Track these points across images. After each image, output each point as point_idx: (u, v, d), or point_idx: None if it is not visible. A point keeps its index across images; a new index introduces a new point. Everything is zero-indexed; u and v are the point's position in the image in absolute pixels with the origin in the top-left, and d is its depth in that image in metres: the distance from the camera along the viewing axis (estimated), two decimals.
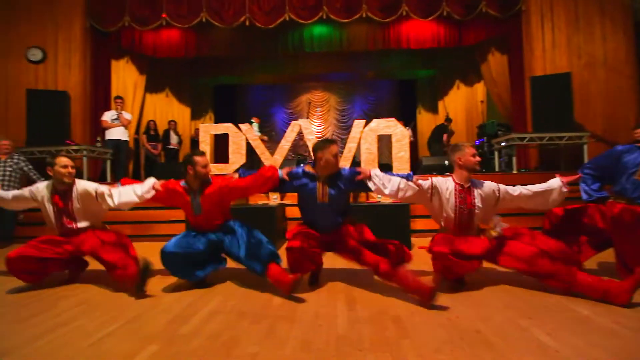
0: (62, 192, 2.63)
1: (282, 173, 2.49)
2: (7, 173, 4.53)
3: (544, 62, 6.14)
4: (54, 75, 6.23)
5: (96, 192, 2.66)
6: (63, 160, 2.59)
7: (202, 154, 2.61)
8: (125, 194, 2.64)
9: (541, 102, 5.52)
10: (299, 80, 11.21)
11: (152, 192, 2.60)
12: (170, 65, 9.09)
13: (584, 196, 2.51)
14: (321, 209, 2.44)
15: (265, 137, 7.55)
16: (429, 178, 2.47)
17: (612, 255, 2.42)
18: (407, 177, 2.45)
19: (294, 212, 4.55)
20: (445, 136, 7.98)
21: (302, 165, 2.56)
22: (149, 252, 3.92)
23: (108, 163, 6.07)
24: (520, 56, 6.48)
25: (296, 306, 2.08)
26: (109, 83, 7.12)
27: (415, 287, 2.05)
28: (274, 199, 4.47)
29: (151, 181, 2.68)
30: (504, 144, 5.66)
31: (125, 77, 7.66)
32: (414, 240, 4.04)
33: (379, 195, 4.19)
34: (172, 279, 2.69)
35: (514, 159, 5.60)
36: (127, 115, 6.33)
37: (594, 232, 2.43)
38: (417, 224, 4.47)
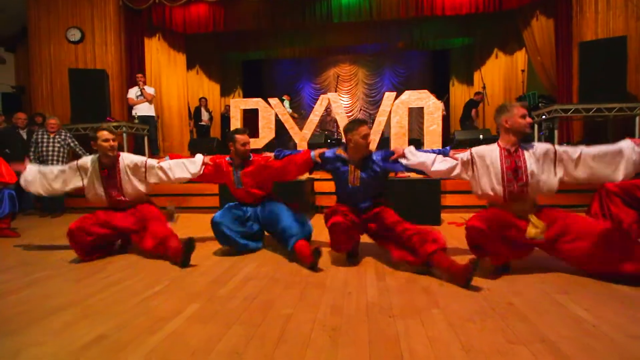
0: (109, 165, 2.71)
1: (315, 155, 2.51)
2: (56, 149, 4.87)
3: (596, 25, 5.58)
4: (92, 54, 6.48)
5: (145, 165, 2.77)
6: (104, 134, 2.63)
7: (243, 132, 2.73)
8: (178, 170, 2.78)
9: (591, 70, 5.07)
10: (326, 53, 10.98)
11: (203, 168, 2.77)
12: (200, 42, 9.16)
13: None
14: (353, 192, 2.42)
15: (296, 115, 7.56)
16: (468, 150, 2.26)
17: None
18: (444, 152, 2.32)
19: (322, 186, 4.60)
20: (474, 111, 7.66)
21: (334, 148, 2.52)
22: (186, 223, 4.15)
23: (145, 139, 6.34)
24: (568, 20, 5.93)
25: (326, 275, 2.15)
26: (143, 60, 7.31)
27: (451, 270, 1.96)
28: None
29: (201, 158, 2.81)
30: (545, 116, 5.32)
31: (159, 54, 7.83)
32: (444, 216, 3.98)
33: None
34: (210, 247, 2.83)
35: (556, 133, 5.26)
36: (150, 90, 6.36)
37: None
38: (448, 200, 4.39)
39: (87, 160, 2.77)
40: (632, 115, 4.93)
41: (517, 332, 1.39)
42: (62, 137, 4.94)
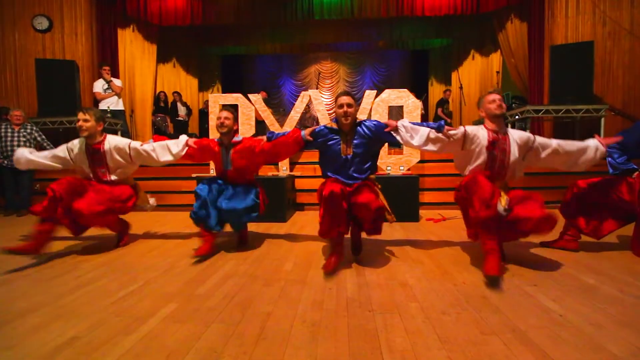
0: (94, 145, 2.74)
1: (305, 134, 2.51)
2: (22, 143, 4.62)
3: (566, 30, 5.85)
4: (61, 44, 6.16)
5: (129, 147, 2.77)
6: (79, 114, 2.69)
7: (224, 108, 2.73)
8: (161, 152, 2.78)
9: (560, 73, 5.31)
10: (307, 50, 10.93)
11: (186, 149, 2.75)
12: (177, 35, 8.91)
13: (611, 169, 2.47)
14: (345, 163, 2.41)
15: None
16: (460, 127, 2.36)
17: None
18: (438, 128, 2.34)
19: (303, 183, 4.59)
20: (439, 110, 7.98)
21: (324, 124, 2.53)
22: (162, 220, 4.05)
23: (119, 134, 6.11)
24: (541, 24, 6.18)
25: (306, 271, 2.15)
26: (116, 52, 7.03)
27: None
28: (283, 170, 4.50)
29: (184, 138, 2.80)
30: (517, 116, 5.52)
31: (132, 46, 7.55)
32: (423, 212, 4.07)
33: (388, 167, 4.21)
34: (188, 245, 2.78)
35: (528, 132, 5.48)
36: (117, 82, 6.06)
37: (619, 205, 2.37)
38: (426, 197, 4.49)
39: (75, 142, 2.81)
40: (597, 116, 5.20)
41: (490, 323, 1.44)
42: (28, 130, 4.69)
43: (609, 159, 2.51)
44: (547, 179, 4.41)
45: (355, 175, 2.41)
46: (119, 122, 5.93)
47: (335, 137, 2.43)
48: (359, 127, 2.41)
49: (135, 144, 2.79)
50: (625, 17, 5.62)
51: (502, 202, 2.06)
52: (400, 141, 2.40)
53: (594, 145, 2.31)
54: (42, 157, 2.86)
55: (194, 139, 2.83)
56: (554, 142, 2.31)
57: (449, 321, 1.47)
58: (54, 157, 2.85)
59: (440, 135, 2.33)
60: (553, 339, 1.31)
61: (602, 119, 5.21)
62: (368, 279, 1.99)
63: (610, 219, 2.40)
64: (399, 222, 3.63)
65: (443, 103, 7.97)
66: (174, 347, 1.30)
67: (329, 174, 2.48)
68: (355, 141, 2.39)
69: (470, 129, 2.33)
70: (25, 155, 2.86)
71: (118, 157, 2.77)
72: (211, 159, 2.86)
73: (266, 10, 8.05)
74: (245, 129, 4.44)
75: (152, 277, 2.10)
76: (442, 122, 2.38)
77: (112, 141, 2.77)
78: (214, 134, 4.38)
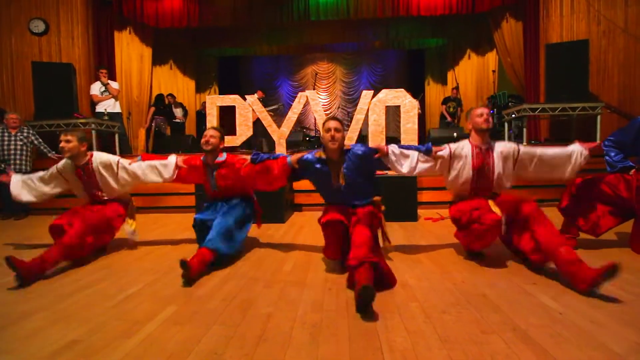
0: (82, 165, 2.69)
1: (292, 161, 2.40)
2: (19, 147, 4.59)
3: (561, 28, 5.89)
4: (57, 47, 6.14)
5: (118, 165, 2.71)
6: (61, 136, 2.64)
7: (212, 128, 2.68)
8: (150, 174, 2.72)
9: (556, 71, 5.34)
10: (304, 51, 10.94)
11: (176, 172, 2.70)
12: (174, 37, 8.90)
13: (608, 168, 2.49)
14: (339, 193, 2.31)
15: (276, 105, 7.51)
16: (446, 146, 2.40)
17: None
18: (426, 151, 2.36)
19: (301, 184, 4.58)
20: (443, 107, 8.01)
21: (313, 151, 2.41)
22: (161, 222, 4.04)
23: (116, 137, 6.09)
24: (536, 23, 6.22)
25: (306, 272, 2.15)
26: (113, 55, 7.01)
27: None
28: None
29: (174, 160, 2.70)
30: (514, 115, 5.55)
31: (129, 49, 7.53)
32: (421, 212, 4.08)
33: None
34: (187, 249, 2.77)
35: (525, 131, 5.50)
36: (115, 85, 6.07)
37: (616, 202, 2.38)
38: (424, 197, 4.49)
39: (65, 163, 2.75)
40: (593, 114, 5.23)
41: (490, 322, 1.44)
42: (25, 134, 4.67)
43: (607, 157, 2.53)
44: None
45: (355, 201, 2.30)
46: (116, 125, 5.91)
47: (323, 168, 2.33)
48: (347, 154, 2.31)
49: (124, 162, 2.72)
50: (620, 15, 5.66)
51: (497, 212, 2.12)
52: (390, 167, 2.38)
53: (578, 149, 2.30)
54: (37, 187, 2.81)
55: (182, 158, 2.74)
56: (538, 150, 2.34)
57: (449, 320, 1.47)
58: (49, 180, 2.79)
59: (428, 157, 2.37)
60: (554, 338, 1.31)
61: (598, 117, 5.23)
62: None
63: (609, 216, 2.41)
64: (397, 222, 3.65)
65: (447, 101, 7.91)
66: (175, 350, 1.30)
67: (329, 201, 2.41)
68: (345, 170, 2.28)
69: (455, 146, 2.39)
70: (20, 197, 2.80)
71: (106, 175, 2.70)
72: (200, 180, 2.77)
73: (263, 11, 8.05)
74: (243, 130, 4.44)
75: (151, 280, 2.09)
76: (430, 145, 2.39)
77: (100, 159, 2.71)
78: None
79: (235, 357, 1.24)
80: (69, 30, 6.17)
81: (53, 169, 2.79)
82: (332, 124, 2.27)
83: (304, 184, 4.53)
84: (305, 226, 3.62)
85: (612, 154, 2.50)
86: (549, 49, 5.52)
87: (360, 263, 1.73)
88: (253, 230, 3.39)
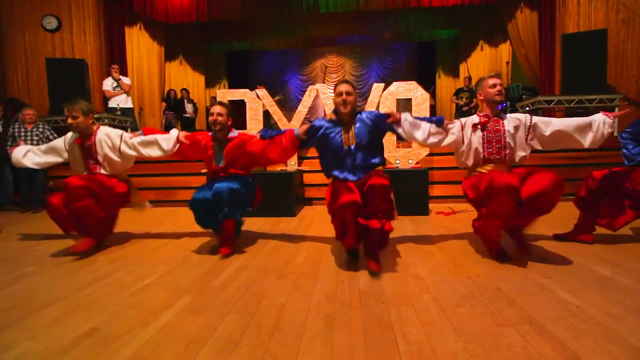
0: (85, 136, 2.69)
1: (299, 132, 2.39)
2: (35, 142, 4.69)
3: (578, 17, 5.72)
4: (70, 44, 6.23)
5: (121, 137, 2.69)
6: (65, 111, 2.61)
7: (217, 103, 2.63)
8: (150, 147, 2.70)
9: (572, 62, 5.20)
10: (313, 44, 10.87)
11: (177, 146, 2.67)
12: (183, 32, 8.94)
13: (626, 161, 2.43)
14: (348, 155, 2.27)
15: (279, 96, 7.44)
16: (456, 121, 2.39)
17: None
18: (438, 122, 2.34)
19: (311, 178, 4.60)
20: (454, 98, 7.72)
21: (321, 117, 2.44)
22: (173, 216, 4.10)
23: (129, 131, 6.17)
24: (552, 12, 6.06)
25: (318, 264, 2.16)
26: (124, 50, 7.09)
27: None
28: (292, 164, 4.51)
29: (175, 134, 2.68)
30: (528, 108, 5.43)
31: (140, 44, 7.60)
32: (432, 206, 4.05)
33: (397, 161, 4.18)
34: (200, 240, 2.81)
35: None
36: (126, 81, 6.13)
37: (635, 195, 2.31)
38: (435, 190, 4.46)
39: (70, 134, 2.77)
40: (611, 106, 5.10)
41: (505, 315, 1.43)
42: (40, 129, 4.76)
43: (624, 150, 2.47)
44: (561, 171, 4.34)
45: (361, 167, 2.26)
46: (128, 120, 5.99)
47: (335, 128, 2.31)
48: (359, 115, 2.31)
49: (127, 136, 2.71)
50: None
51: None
52: (402, 134, 2.32)
53: (600, 118, 2.24)
54: (38, 156, 2.85)
55: (185, 133, 2.71)
56: (554, 119, 2.31)
57: (463, 313, 1.46)
58: (51, 150, 2.82)
59: (440, 129, 2.35)
60: (571, 331, 1.29)
61: (616, 109, 5.10)
62: (380, 272, 1.99)
63: (628, 211, 2.36)
64: (408, 216, 3.63)
65: (460, 92, 7.69)
66: (192, 338, 1.32)
67: (333, 173, 2.32)
68: (356, 130, 2.27)
69: (464, 119, 2.39)
70: (19, 160, 2.84)
71: (109, 149, 2.68)
72: (202, 156, 2.73)
73: (271, 4, 8.02)
74: (253, 124, 4.45)
75: (167, 270, 2.13)
76: (442, 117, 2.39)
77: (106, 132, 2.70)
78: None
79: (251, 345, 1.26)
80: (81, 27, 6.25)
81: (61, 139, 2.81)
82: (343, 87, 2.24)
83: (316, 178, 4.54)
84: (316, 219, 3.63)
85: (630, 146, 2.44)
86: (565, 39, 5.38)
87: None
88: (265, 224, 3.43)
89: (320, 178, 4.77)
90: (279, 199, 3.87)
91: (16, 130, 4.66)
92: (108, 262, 2.35)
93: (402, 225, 3.22)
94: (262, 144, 2.53)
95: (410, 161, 4.15)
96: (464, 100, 7.29)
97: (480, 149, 2.32)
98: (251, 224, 3.34)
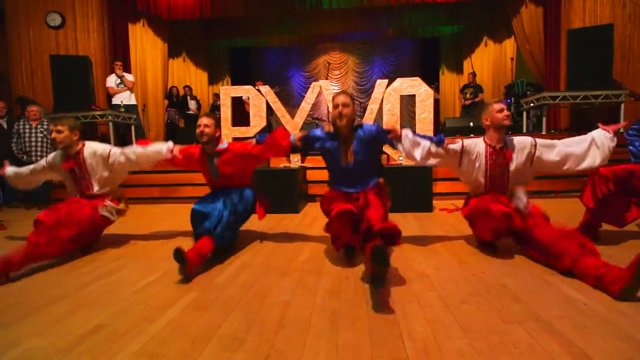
0: (72, 155, 2.57)
1: (295, 139, 2.35)
2: (39, 139, 4.72)
3: (584, 13, 5.66)
4: (74, 40, 6.24)
5: (109, 153, 2.60)
6: (51, 126, 2.53)
7: (205, 115, 2.54)
8: (143, 159, 2.63)
9: (578, 58, 5.15)
10: (316, 41, 10.84)
11: (169, 156, 2.61)
12: (187, 29, 8.94)
13: (632, 158, 2.41)
14: (346, 172, 2.27)
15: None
16: (459, 140, 2.33)
17: None
18: (438, 142, 2.29)
19: (315, 175, 4.59)
20: (459, 95, 7.67)
21: (320, 126, 2.42)
22: (176, 213, 4.11)
23: (132, 128, 6.19)
24: (557, 8, 6.00)
25: (322, 262, 2.16)
26: (128, 47, 7.09)
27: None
28: (295, 161, 4.50)
29: (168, 146, 2.62)
30: (533, 104, 5.39)
31: (143, 41, 7.60)
32: (436, 203, 4.03)
33: (401, 157, 4.16)
34: None
35: (544, 120, 5.35)
36: (130, 77, 6.14)
37: None
38: (439, 187, 4.44)
39: (55, 154, 2.65)
40: (617, 102, 5.04)
41: (511, 312, 1.42)
42: (45, 126, 4.79)
43: (631, 147, 2.45)
44: None
45: (360, 181, 2.26)
46: (132, 117, 6.01)
47: (333, 144, 2.26)
48: (358, 131, 2.25)
49: (116, 150, 2.61)
50: None
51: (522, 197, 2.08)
52: (402, 151, 2.30)
53: (601, 134, 2.19)
54: (28, 178, 2.78)
55: (179, 148, 2.64)
56: (557, 141, 2.25)
57: (469, 310, 1.46)
58: (40, 172, 2.73)
59: (440, 149, 2.29)
60: (578, 328, 1.28)
61: (622, 105, 5.05)
62: None
63: (633, 207, 2.34)
64: (412, 212, 3.62)
65: (465, 88, 7.63)
66: (197, 334, 1.33)
67: (332, 185, 2.35)
68: (355, 147, 2.22)
69: (468, 142, 2.30)
70: (15, 185, 2.84)
71: (99, 166, 2.59)
72: (197, 168, 2.69)
73: (274, 1, 7.99)
74: (257, 121, 4.44)
75: (170, 267, 2.12)
76: (442, 136, 2.32)
77: (93, 148, 2.59)
78: (224, 126, 4.39)
79: (256, 342, 1.26)
80: (84, 24, 6.26)
81: (42, 162, 2.69)
82: (340, 99, 2.19)
83: (319, 175, 4.53)
84: (319, 216, 3.59)
85: (637, 143, 2.42)
86: (571, 34, 5.32)
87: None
88: (267, 221, 3.42)
89: (323, 175, 4.76)
90: (282, 196, 3.87)
91: (21, 127, 4.68)
92: (113, 259, 2.36)
93: (406, 222, 3.21)
94: (255, 148, 2.48)
95: None
96: (468, 95, 7.24)
97: (482, 181, 2.28)
98: (254, 221, 3.32)
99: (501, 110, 2.23)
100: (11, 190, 4.82)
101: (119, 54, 6.74)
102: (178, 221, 3.61)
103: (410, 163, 4.10)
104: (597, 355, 1.12)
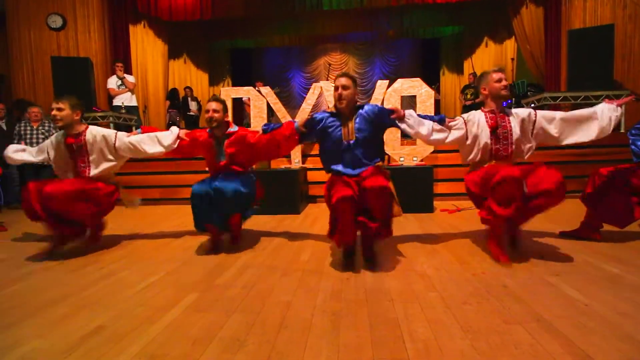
0: (73, 136, 2.56)
1: (299, 125, 2.37)
2: (40, 140, 4.72)
3: (584, 13, 5.66)
4: (74, 42, 6.26)
5: (115, 136, 2.60)
6: (52, 104, 2.50)
7: (212, 99, 2.54)
8: (150, 144, 2.62)
9: (578, 58, 5.14)
10: (316, 41, 10.84)
11: (178, 142, 2.62)
12: (187, 30, 8.95)
13: (634, 158, 2.41)
14: (347, 150, 2.22)
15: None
16: (458, 117, 2.39)
17: None
18: (440, 120, 2.33)
19: (315, 176, 4.59)
20: (460, 96, 7.66)
21: (322, 110, 2.45)
22: (176, 213, 4.11)
23: (133, 129, 6.19)
24: (557, 8, 6.00)
25: (323, 262, 2.16)
26: (128, 49, 7.10)
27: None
28: (296, 162, 4.50)
29: (176, 131, 2.65)
30: (534, 104, 5.39)
31: (144, 43, 7.62)
32: (437, 203, 4.03)
33: (402, 158, 4.16)
34: (203, 238, 2.81)
35: None
36: (131, 79, 6.13)
37: None
38: (440, 188, 4.43)
39: (58, 133, 2.64)
40: None
41: (512, 312, 1.42)
42: (46, 128, 4.79)
43: (633, 146, 2.45)
44: (567, 168, 4.30)
45: (361, 162, 2.21)
46: (133, 118, 6.01)
47: (335, 122, 2.26)
48: (360, 110, 2.26)
49: (122, 134, 2.63)
50: None
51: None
52: (406, 130, 2.28)
53: (605, 106, 2.23)
54: (27, 156, 2.74)
55: (185, 131, 2.67)
56: (559, 113, 2.28)
57: (470, 310, 1.45)
58: (40, 151, 2.69)
59: (443, 127, 2.33)
60: (579, 329, 1.28)
61: (623, 106, 5.03)
62: (385, 270, 1.98)
63: (635, 207, 2.33)
64: (413, 213, 3.61)
65: (465, 89, 7.63)
66: (198, 335, 1.33)
67: (332, 167, 2.28)
68: (356, 125, 2.22)
69: (466, 115, 2.36)
70: (9, 155, 2.73)
71: (102, 148, 2.58)
72: (203, 152, 2.70)
73: (275, 1, 8.00)
74: (257, 122, 4.45)
75: (172, 268, 2.14)
76: (443, 115, 2.37)
77: (96, 131, 2.59)
78: None
79: (257, 343, 1.26)
80: (85, 25, 6.27)
81: (47, 142, 2.68)
82: (340, 80, 2.20)
83: (320, 176, 4.53)
84: (320, 217, 3.63)
85: (639, 143, 2.42)
86: (571, 35, 5.31)
87: None
88: (269, 221, 3.43)
89: (324, 176, 4.76)
90: (283, 197, 3.87)
91: (22, 128, 4.69)
92: (113, 260, 2.36)
93: (407, 223, 3.21)
94: (263, 136, 2.51)
95: (415, 159, 4.13)
96: (469, 96, 7.24)
97: (489, 144, 2.27)
98: (255, 221, 3.34)
99: (499, 80, 2.24)
100: (12, 192, 4.83)
101: (119, 56, 6.75)
102: (179, 222, 3.62)
103: (410, 164, 4.10)
104: (598, 356, 1.12)
